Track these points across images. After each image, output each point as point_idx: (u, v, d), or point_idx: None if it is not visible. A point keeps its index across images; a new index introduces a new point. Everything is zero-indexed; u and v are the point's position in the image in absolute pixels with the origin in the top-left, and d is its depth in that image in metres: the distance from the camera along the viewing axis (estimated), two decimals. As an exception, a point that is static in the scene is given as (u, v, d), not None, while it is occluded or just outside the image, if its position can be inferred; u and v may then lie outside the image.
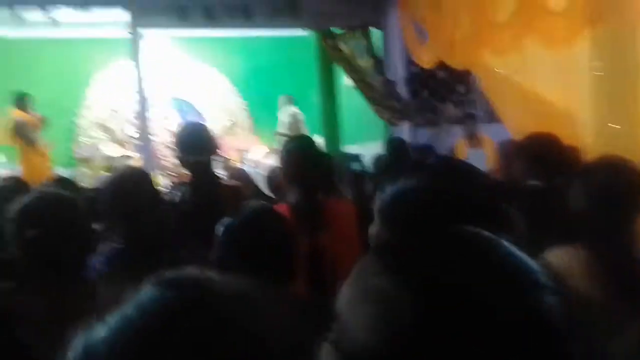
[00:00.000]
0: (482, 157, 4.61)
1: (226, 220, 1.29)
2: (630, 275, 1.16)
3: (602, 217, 1.22)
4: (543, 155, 1.73)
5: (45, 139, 6.01)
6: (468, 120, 4.82)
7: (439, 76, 5.32)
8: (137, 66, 5.25)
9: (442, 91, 5.46)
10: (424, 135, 5.34)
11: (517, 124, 3.50)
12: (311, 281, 1.66)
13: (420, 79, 5.37)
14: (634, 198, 1.22)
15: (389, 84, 5.29)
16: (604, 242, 1.21)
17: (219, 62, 7.95)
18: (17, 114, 5.75)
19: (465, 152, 4.70)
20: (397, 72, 5.41)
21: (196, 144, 2.11)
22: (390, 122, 5.39)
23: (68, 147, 7.28)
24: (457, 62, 4.17)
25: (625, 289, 1.14)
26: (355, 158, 3.56)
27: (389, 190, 0.81)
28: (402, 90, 5.39)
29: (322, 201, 1.99)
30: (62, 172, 7.01)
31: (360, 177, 2.65)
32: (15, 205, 1.37)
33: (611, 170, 1.27)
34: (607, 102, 2.62)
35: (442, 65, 4.55)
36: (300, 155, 1.95)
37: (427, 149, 3.98)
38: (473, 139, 4.72)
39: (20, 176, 4.69)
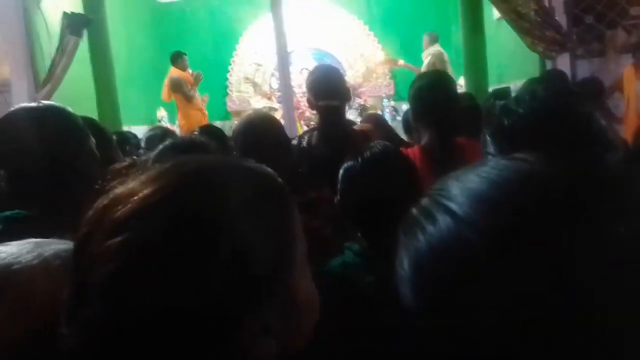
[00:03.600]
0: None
1: (347, 163, 1.22)
2: None
3: None
4: None
5: (201, 95, 6.50)
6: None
7: (609, -4, 4.54)
8: (277, 19, 5.33)
9: (612, 15, 4.66)
10: (586, 69, 4.65)
11: None
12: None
13: (583, 2, 4.63)
14: None
15: (546, 11, 4.65)
16: None
17: (357, 7, 7.80)
18: (174, 72, 6.27)
19: (632, 84, 3.98)
20: (555, -3, 4.73)
21: (326, 88, 2.04)
22: (547, 55, 4.77)
23: (223, 102, 7.85)
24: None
25: None
26: (501, 95, 3.21)
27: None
28: (561, 17, 4.71)
29: (460, 144, 1.80)
30: (218, 125, 7.67)
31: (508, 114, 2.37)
32: (155, 150, 1.45)
33: None
34: None
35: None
36: (431, 92, 1.77)
37: (592, 82, 3.43)
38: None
39: (164, 126, 5.14)
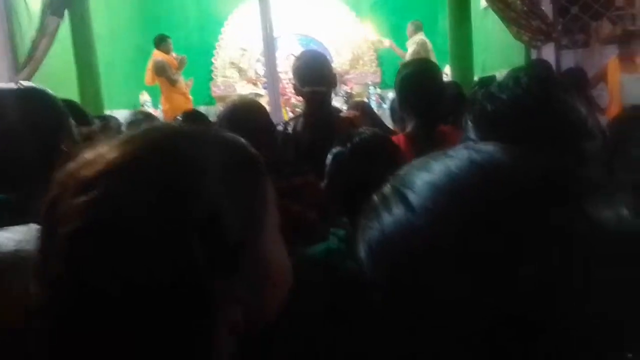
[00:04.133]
0: (637, 84, 3.91)
1: (335, 148, 1.22)
2: None
3: None
4: None
5: (185, 79, 6.41)
6: (625, 38, 4.07)
7: (594, -13, 4.57)
8: (264, 4, 5.27)
9: (597, 5, 4.70)
10: (571, 59, 4.69)
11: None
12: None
13: (570, -8, 4.67)
14: None
15: (533, 1, 4.67)
16: None
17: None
18: (158, 55, 6.18)
19: (616, 76, 4.02)
20: (542, -13, 4.75)
21: (312, 74, 2.03)
22: (532, 45, 4.79)
23: (207, 86, 7.76)
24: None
25: None
26: (487, 82, 3.24)
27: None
28: (547, 7, 4.74)
29: (444, 132, 1.82)
30: (202, 110, 7.59)
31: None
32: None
33: None
34: None
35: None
36: (417, 81, 1.78)
37: (575, 73, 3.46)
38: (629, 62, 4.00)
39: (147, 111, 5.07)
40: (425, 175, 0.42)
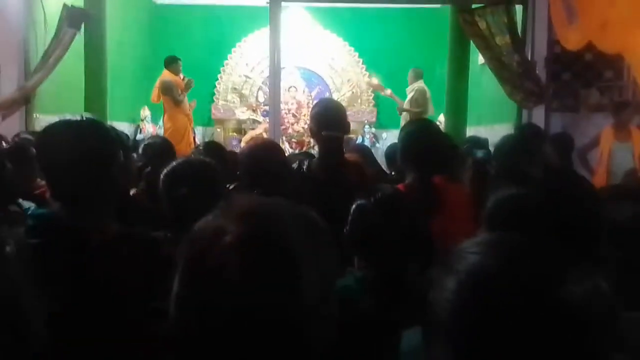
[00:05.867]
0: (629, 152, 4.18)
1: (359, 200, 1.35)
2: None
3: None
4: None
5: (188, 100, 6.56)
6: (620, 108, 4.34)
7: (586, 59, 4.87)
8: (274, 35, 5.46)
9: (588, 75, 5.00)
10: (559, 122, 4.96)
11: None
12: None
13: (563, 60, 4.96)
14: None
15: (528, 64, 4.95)
16: None
17: (349, 34, 8.03)
18: (166, 75, 6.34)
19: (610, 144, 4.28)
20: (538, 52, 5.04)
21: (332, 120, 2.17)
22: (524, 105, 5.06)
23: (208, 108, 7.93)
24: (607, 45, 3.78)
25: None
26: (480, 144, 3.44)
27: (498, 196, 0.84)
28: (541, 72, 5.02)
29: (438, 184, 1.99)
30: (200, 130, 7.74)
31: (482, 164, 2.59)
32: (168, 168, 1.57)
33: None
34: None
35: (590, 47, 4.16)
36: (419, 140, 1.97)
37: (563, 139, 3.69)
38: (622, 131, 4.27)
39: (161, 135, 5.19)
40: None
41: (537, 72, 5.00)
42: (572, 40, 4.16)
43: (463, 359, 0.50)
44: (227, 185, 2.00)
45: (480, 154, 2.84)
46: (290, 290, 0.58)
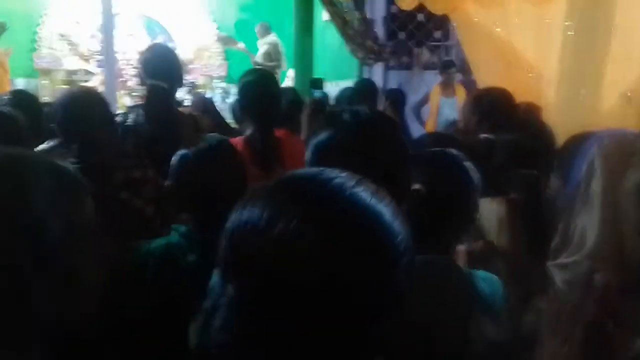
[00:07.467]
0: (454, 106, 4.65)
1: (181, 151, 1.28)
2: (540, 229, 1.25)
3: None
4: (493, 109, 1.78)
5: (3, 46, 5.70)
6: (445, 67, 4.78)
7: (418, 19, 5.23)
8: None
9: (420, 35, 5.39)
10: (396, 78, 5.31)
11: (487, 77, 3.50)
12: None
13: (398, 20, 5.27)
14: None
15: (367, 23, 5.15)
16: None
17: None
18: (-30, 16, 5.39)
19: (437, 99, 4.71)
20: (376, 11, 5.27)
21: (161, 69, 2.03)
22: (365, 62, 5.30)
23: (29, 57, 6.95)
24: (437, 7, 4.08)
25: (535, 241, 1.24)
26: (317, 85, 3.54)
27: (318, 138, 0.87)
28: (380, 30, 5.28)
29: (278, 137, 1.98)
30: (21, 82, 6.78)
31: (318, 102, 2.67)
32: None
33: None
34: (575, 63, 2.64)
35: (421, 8, 4.45)
36: (256, 90, 1.92)
37: (397, 94, 3.95)
38: (448, 88, 4.71)
39: None
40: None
41: (375, 30, 5.25)
42: (406, 0, 4.41)
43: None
44: (40, 143, 1.76)
45: (317, 94, 2.90)
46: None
